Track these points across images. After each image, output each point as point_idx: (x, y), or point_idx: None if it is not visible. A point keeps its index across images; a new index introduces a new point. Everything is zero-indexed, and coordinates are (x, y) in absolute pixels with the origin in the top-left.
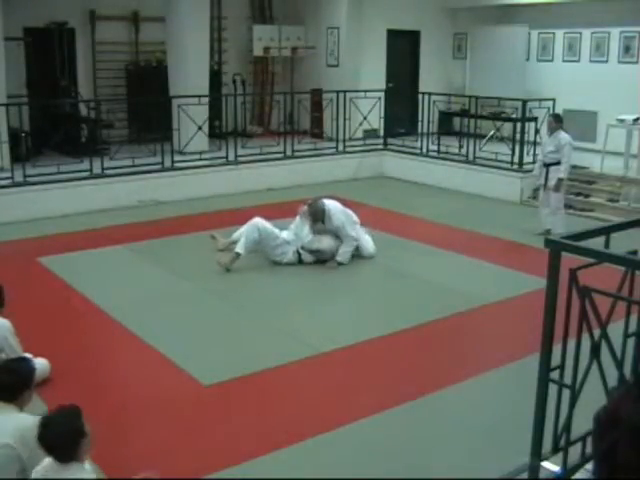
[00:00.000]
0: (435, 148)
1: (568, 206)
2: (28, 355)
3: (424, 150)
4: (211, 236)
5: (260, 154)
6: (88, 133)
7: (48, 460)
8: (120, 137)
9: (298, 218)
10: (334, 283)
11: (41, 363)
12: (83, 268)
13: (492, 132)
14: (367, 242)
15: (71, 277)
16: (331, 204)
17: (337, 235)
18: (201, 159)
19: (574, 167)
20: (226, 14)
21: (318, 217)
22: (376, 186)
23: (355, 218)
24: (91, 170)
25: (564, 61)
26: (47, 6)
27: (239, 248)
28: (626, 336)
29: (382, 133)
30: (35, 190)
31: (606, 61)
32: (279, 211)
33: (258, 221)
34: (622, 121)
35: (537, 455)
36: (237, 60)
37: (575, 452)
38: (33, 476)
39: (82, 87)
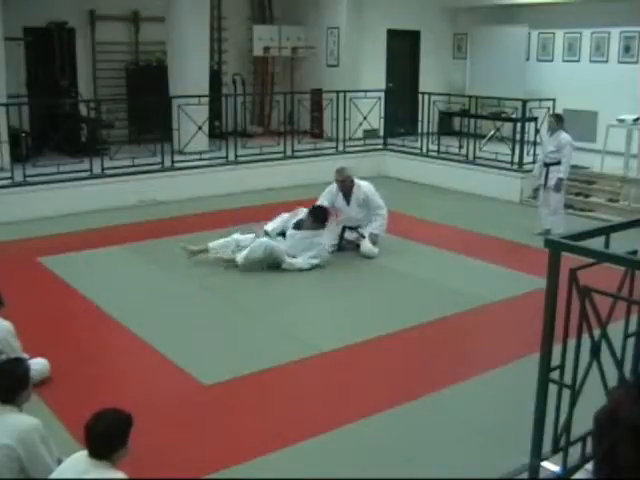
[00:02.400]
0: (435, 148)
1: (568, 206)
2: (26, 356)
3: (424, 150)
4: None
5: (260, 154)
6: (88, 133)
7: (80, 454)
8: (120, 137)
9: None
10: (334, 283)
11: (40, 363)
12: (83, 268)
13: (492, 132)
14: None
15: (71, 277)
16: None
17: (362, 210)
18: (201, 159)
19: (574, 167)
20: (226, 14)
21: (348, 182)
22: (376, 186)
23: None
24: (91, 170)
25: (564, 61)
26: (47, 6)
27: (240, 257)
28: (626, 336)
29: (382, 133)
30: (35, 190)
31: (606, 61)
32: (279, 211)
33: (267, 243)
34: (622, 121)
35: (537, 455)
36: (237, 60)
37: (575, 452)
38: (62, 466)
39: (82, 87)
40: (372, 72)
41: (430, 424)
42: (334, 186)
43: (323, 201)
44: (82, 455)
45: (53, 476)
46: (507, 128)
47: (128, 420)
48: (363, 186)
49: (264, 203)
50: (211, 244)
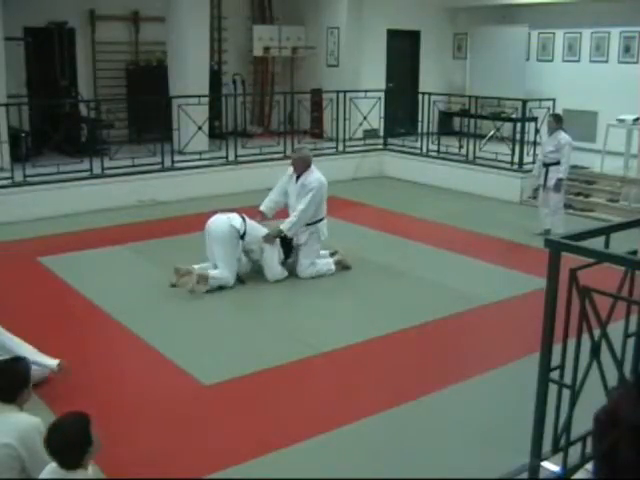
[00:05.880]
0: (435, 148)
1: (568, 206)
2: (32, 349)
3: (424, 150)
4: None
5: (260, 154)
6: (88, 133)
7: (52, 465)
8: (120, 137)
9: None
10: (334, 283)
11: (49, 363)
12: (83, 268)
13: (492, 132)
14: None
15: (71, 277)
16: (319, 173)
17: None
18: (201, 159)
19: (574, 167)
20: (226, 14)
21: (299, 164)
22: (376, 186)
23: (324, 207)
24: (91, 170)
25: (564, 61)
26: (47, 6)
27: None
28: (626, 336)
29: (382, 133)
30: (35, 190)
31: (606, 61)
32: (278, 211)
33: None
34: (622, 121)
35: (537, 455)
36: (237, 60)
37: (575, 452)
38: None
39: (82, 87)
40: (372, 72)
41: (430, 424)
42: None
43: (279, 183)
44: (53, 467)
45: None
46: (507, 128)
47: (84, 420)
48: (314, 178)
49: None
50: (197, 266)
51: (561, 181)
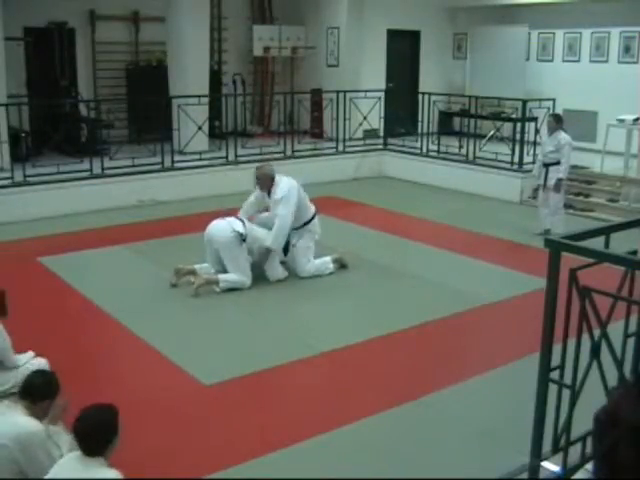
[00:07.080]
0: (435, 148)
1: (568, 206)
2: (30, 353)
3: (424, 150)
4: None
5: (260, 154)
6: (88, 133)
7: (75, 453)
8: (120, 137)
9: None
10: (333, 283)
11: (40, 363)
12: (83, 268)
13: (492, 132)
14: (303, 264)
15: (71, 277)
16: (286, 178)
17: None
18: (201, 159)
19: (574, 167)
20: (226, 14)
21: (263, 181)
22: (376, 186)
23: (307, 209)
24: (91, 170)
25: (564, 61)
26: (47, 6)
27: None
28: (626, 336)
29: (382, 133)
30: (35, 190)
31: (606, 61)
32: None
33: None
34: (622, 121)
35: (537, 455)
36: (237, 60)
37: (575, 452)
38: (55, 468)
39: (82, 87)
40: (372, 72)
41: (430, 424)
42: None
43: (252, 197)
44: (74, 455)
45: (47, 477)
46: (507, 128)
47: (112, 410)
48: (279, 189)
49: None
50: (198, 266)
51: (561, 181)
